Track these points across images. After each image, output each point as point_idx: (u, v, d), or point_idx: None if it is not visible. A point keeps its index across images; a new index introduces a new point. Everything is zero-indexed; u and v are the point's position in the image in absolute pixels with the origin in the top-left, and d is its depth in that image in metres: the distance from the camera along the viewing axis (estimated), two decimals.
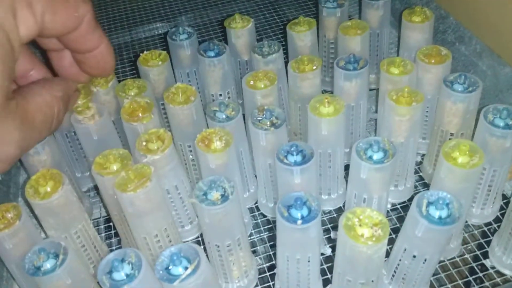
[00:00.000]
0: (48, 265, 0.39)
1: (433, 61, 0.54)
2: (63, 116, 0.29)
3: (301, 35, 0.62)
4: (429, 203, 0.39)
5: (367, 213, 0.38)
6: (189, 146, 0.55)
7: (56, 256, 0.39)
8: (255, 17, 0.90)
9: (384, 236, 0.36)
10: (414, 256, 0.42)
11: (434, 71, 0.54)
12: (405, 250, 0.42)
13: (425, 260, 0.41)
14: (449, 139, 0.53)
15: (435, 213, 0.38)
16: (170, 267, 0.36)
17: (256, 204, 0.59)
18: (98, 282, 0.40)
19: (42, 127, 0.27)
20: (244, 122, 0.53)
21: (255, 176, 0.57)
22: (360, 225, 0.37)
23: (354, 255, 0.38)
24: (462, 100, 0.50)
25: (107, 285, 0.35)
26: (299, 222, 0.38)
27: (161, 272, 0.36)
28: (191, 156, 0.56)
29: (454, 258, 0.51)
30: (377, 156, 0.44)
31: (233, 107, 0.51)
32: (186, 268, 0.36)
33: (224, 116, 0.50)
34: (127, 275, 0.36)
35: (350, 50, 0.61)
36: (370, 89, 0.69)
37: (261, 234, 0.55)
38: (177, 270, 0.36)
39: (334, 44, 0.69)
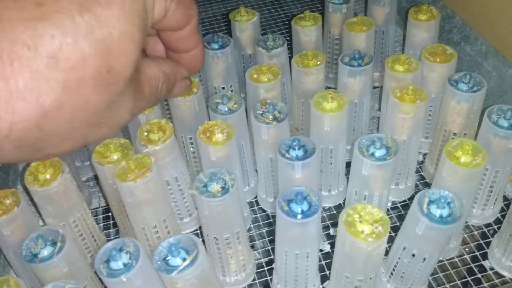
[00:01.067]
0: (45, 252, 0.39)
1: (438, 59, 0.54)
2: (164, 96, 0.30)
3: (306, 30, 0.62)
4: (431, 202, 0.39)
5: (368, 209, 0.38)
6: (190, 138, 0.55)
7: (54, 243, 0.39)
8: (260, 11, 0.90)
9: (384, 233, 0.36)
10: (414, 255, 0.41)
11: (439, 70, 0.54)
12: (404, 248, 0.42)
13: (424, 259, 0.41)
14: (452, 138, 0.53)
15: (436, 211, 0.38)
16: (168, 258, 0.36)
17: (256, 199, 0.58)
18: (95, 272, 0.40)
19: (149, 98, 0.28)
20: (247, 116, 0.52)
21: (256, 170, 0.57)
22: (360, 222, 0.37)
23: (354, 252, 0.38)
24: (466, 100, 0.50)
25: (104, 274, 0.35)
26: (299, 216, 0.38)
27: (159, 262, 0.36)
28: (192, 148, 0.56)
29: (453, 258, 0.51)
30: (379, 153, 0.44)
31: (235, 100, 0.51)
32: (184, 259, 0.36)
33: (226, 109, 0.50)
34: (124, 265, 0.36)
35: (355, 46, 0.60)
36: (374, 87, 0.69)
37: (260, 229, 0.55)
38: (175, 261, 0.36)
39: (339, 40, 0.69)
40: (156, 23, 0.28)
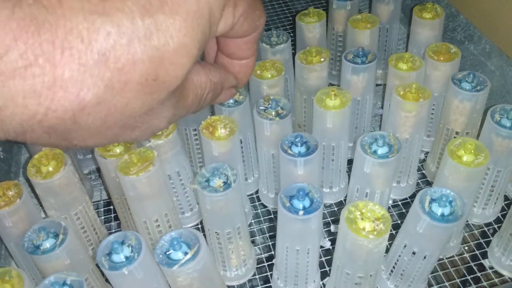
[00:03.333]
0: (47, 244, 0.39)
1: (442, 58, 0.54)
2: (207, 104, 0.29)
3: (310, 27, 0.62)
4: (432, 200, 0.39)
5: (370, 206, 0.38)
6: (194, 130, 0.55)
7: (56, 235, 0.39)
8: (264, 7, 0.89)
9: (385, 231, 0.36)
10: (414, 253, 0.42)
11: (442, 69, 0.54)
12: (405, 246, 0.42)
13: (425, 257, 0.41)
14: (454, 137, 0.53)
15: (438, 210, 0.38)
16: (170, 252, 0.36)
17: (257, 194, 0.58)
18: (96, 264, 0.40)
19: (192, 106, 0.27)
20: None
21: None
22: (362, 219, 0.37)
23: (355, 248, 0.38)
24: (469, 99, 0.50)
25: (106, 267, 0.35)
26: (301, 213, 0.38)
27: (160, 256, 0.36)
28: (196, 140, 0.56)
29: (453, 256, 0.51)
30: (381, 150, 0.44)
31: (241, 91, 0.51)
32: (186, 253, 0.36)
33: (232, 101, 0.50)
34: (126, 258, 0.36)
35: (359, 43, 0.60)
36: (377, 85, 0.69)
37: (261, 225, 0.55)
38: (177, 254, 0.36)
39: (343, 37, 0.69)
40: (221, 35, 0.28)
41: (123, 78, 0.21)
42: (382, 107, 0.65)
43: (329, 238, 0.53)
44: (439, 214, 0.38)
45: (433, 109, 0.58)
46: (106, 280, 0.45)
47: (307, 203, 0.38)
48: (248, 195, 0.58)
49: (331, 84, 0.72)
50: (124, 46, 0.21)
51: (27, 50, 0.19)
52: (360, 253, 0.38)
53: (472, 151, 0.42)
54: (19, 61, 0.19)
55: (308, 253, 0.42)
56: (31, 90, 0.20)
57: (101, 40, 0.21)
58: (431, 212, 0.38)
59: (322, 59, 0.55)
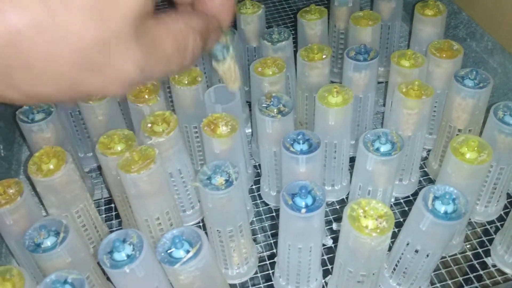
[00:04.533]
0: (48, 242, 0.39)
1: (444, 55, 0.54)
2: (199, 53, 0.26)
3: (312, 24, 0.62)
4: (435, 198, 0.39)
5: (372, 204, 0.37)
6: (195, 127, 0.55)
7: (57, 234, 0.39)
8: (265, 4, 0.89)
9: (388, 228, 0.36)
10: (417, 251, 0.41)
11: (445, 66, 0.54)
12: (408, 244, 0.42)
13: (428, 255, 0.41)
14: (457, 135, 0.53)
15: (441, 207, 0.38)
16: (171, 250, 0.36)
17: (259, 192, 0.58)
18: (98, 262, 0.40)
19: (173, 57, 0.24)
20: (250, 110, 0.52)
21: (252, 158, 0.57)
22: (364, 217, 0.37)
23: (357, 246, 0.38)
24: (472, 96, 0.50)
25: (107, 265, 0.35)
26: (303, 210, 0.38)
27: (162, 254, 0.36)
28: (196, 138, 0.56)
29: (455, 254, 0.50)
30: (384, 148, 0.43)
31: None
32: (187, 252, 0.36)
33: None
34: (128, 256, 0.36)
35: (361, 41, 0.60)
36: (378, 82, 0.69)
37: (263, 223, 0.55)
38: (179, 253, 0.36)
39: (344, 35, 0.69)
40: None
41: None
42: (384, 105, 0.65)
43: (331, 236, 0.52)
44: (442, 212, 0.38)
45: (435, 106, 0.58)
46: (107, 278, 0.45)
47: (309, 201, 0.38)
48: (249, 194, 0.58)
49: (332, 82, 0.71)
50: None
51: None
52: (363, 251, 0.38)
53: (475, 148, 0.42)
54: None
55: (310, 251, 0.42)
56: None
57: None
58: (434, 209, 0.38)
59: (324, 56, 0.54)
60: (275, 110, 0.48)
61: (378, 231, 0.36)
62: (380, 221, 0.37)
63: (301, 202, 0.38)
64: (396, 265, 0.45)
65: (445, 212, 0.38)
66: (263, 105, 0.49)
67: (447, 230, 0.39)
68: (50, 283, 0.35)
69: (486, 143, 0.43)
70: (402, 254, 0.43)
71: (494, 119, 0.46)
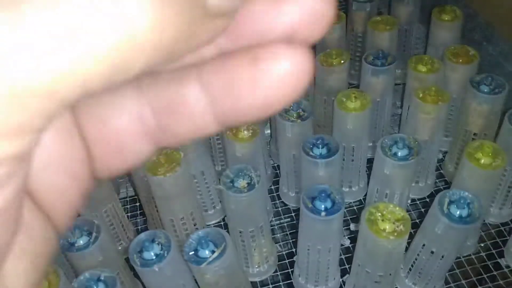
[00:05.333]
0: (81, 241, 0.41)
1: (460, 60, 0.55)
2: None
3: (330, 28, 0.63)
4: (451, 202, 0.40)
5: (390, 208, 0.39)
6: None
7: (89, 233, 0.41)
8: None
9: (405, 232, 0.38)
10: (432, 252, 0.43)
11: (461, 71, 0.55)
12: (423, 245, 0.43)
13: (443, 256, 0.43)
14: (472, 139, 0.54)
15: (456, 211, 0.39)
16: (198, 250, 0.38)
17: (278, 193, 0.60)
18: (124, 259, 0.42)
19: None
20: None
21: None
22: (382, 220, 0.38)
23: (375, 249, 0.39)
24: (487, 102, 0.51)
25: (138, 264, 0.37)
26: (323, 214, 0.39)
27: (189, 254, 0.38)
28: (217, 140, 0.58)
29: (470, 255, 0.52)
30: (401, 153, 0.45)
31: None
32: (213, 252, 0.38)
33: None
34: (156, 255, 0.38)
35: (378, 45, 0.61)
36: (395, 84, 0.70)
37: (281, 222, 0.57)
38: (205, 253, 0.38)
39: (362, 38, 0.70)
40: None
41: None
42: (401, 107, 0.66)
43: (349, 236, 0.54)
44: (457, 216, 0.39)
45: (451, 110, 0.59)
46: (134, 274, 0.47)
47: (329, 204, 0.40)
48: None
49: (350, 83, 0.73)
50: None
51: None
52: (380, 253, 0.39)
53: (490, 154, 0.43)
54: None
55: (329, 252, 0.43)
56: None
57: None
58: (449, 213, 0.39)
59: (342, 61, 0.56)
60: (294, 115, 0.50)
61: (396, 234, 0.38)
62: (398, 225, 0.38)
63: (320, 205, 0.40)
64: (412, 266, 0.46)
65: (460, 216, 0.39)
66: (283, 110, 0.50)
67: (462, 233, 0.40)
68: (84, 281, 0.37)
69: (501, 149, 0.44)
70: (418, 255, 0.45)
71: (508, 125, 0.47)
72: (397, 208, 0.39)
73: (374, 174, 0.48)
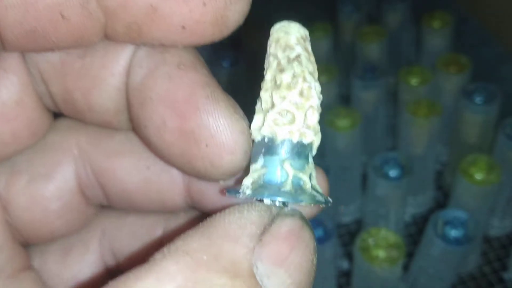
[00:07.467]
0: None
1: (452, 70, 0.54)
2: None
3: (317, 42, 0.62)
4: (445, 223, 0.39)
5: (382, 234, 0.38)
6: None
7: None
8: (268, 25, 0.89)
9: (399, 258, 0.37)
10: (430, 273, 0.42)
11: (453, 80, 0.54)
12: (421, 267, 0.42)
13: (441, 277, 0.42)
14: (468, 148, 0.53)
15: (451, 232, 0.38)
16: None
17: None
18: None
19: None
20: None
21: None
22: (375, 246, 0.37)
23: (371, 276, 0.38)
24: (480, 112, 0.50)
25: None
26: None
27: None
28: None
29: (471, 269, 0.51)
30: (392, 173, 0.44)
31: None
32: None
33: None
34: None
35: (368, 56, 0.60)
36: (388, 92, 0.69)
37: None
38: None
39: (351, 49, 0.69)
40: None
41: None
42: (394, 115, 0.64)
43: (346, 256, 0.53)
44: (452, 237, 0.38)
45: (446, 120, 0.58)
46: None
47: (319, 232, 0.39)
48: None
49: (341, 96, 0.72)
50: None
51: None
52: (376, 280, 0.38)
53: (484, 169, 0.42)
54: None
55: (323, 279, 0.42)
56: None
57: None
58: (444, 236, 0.38)
59: (329, 78, 0.55)
60: None
61: (389, 260, 0.37)
62: (390, 250, 0.37)
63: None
64: (412, 285, 0.45)
65: (455, 238, 0.38)
66: None
67: (458, 255, 0.39)
68: None
69: (495, 163, 0.43)
70: (416, 276, 0.43)
71: (503, 137, 0.46)
72: (390, 233, 0.38)
73: (367, 195, 0.47)
